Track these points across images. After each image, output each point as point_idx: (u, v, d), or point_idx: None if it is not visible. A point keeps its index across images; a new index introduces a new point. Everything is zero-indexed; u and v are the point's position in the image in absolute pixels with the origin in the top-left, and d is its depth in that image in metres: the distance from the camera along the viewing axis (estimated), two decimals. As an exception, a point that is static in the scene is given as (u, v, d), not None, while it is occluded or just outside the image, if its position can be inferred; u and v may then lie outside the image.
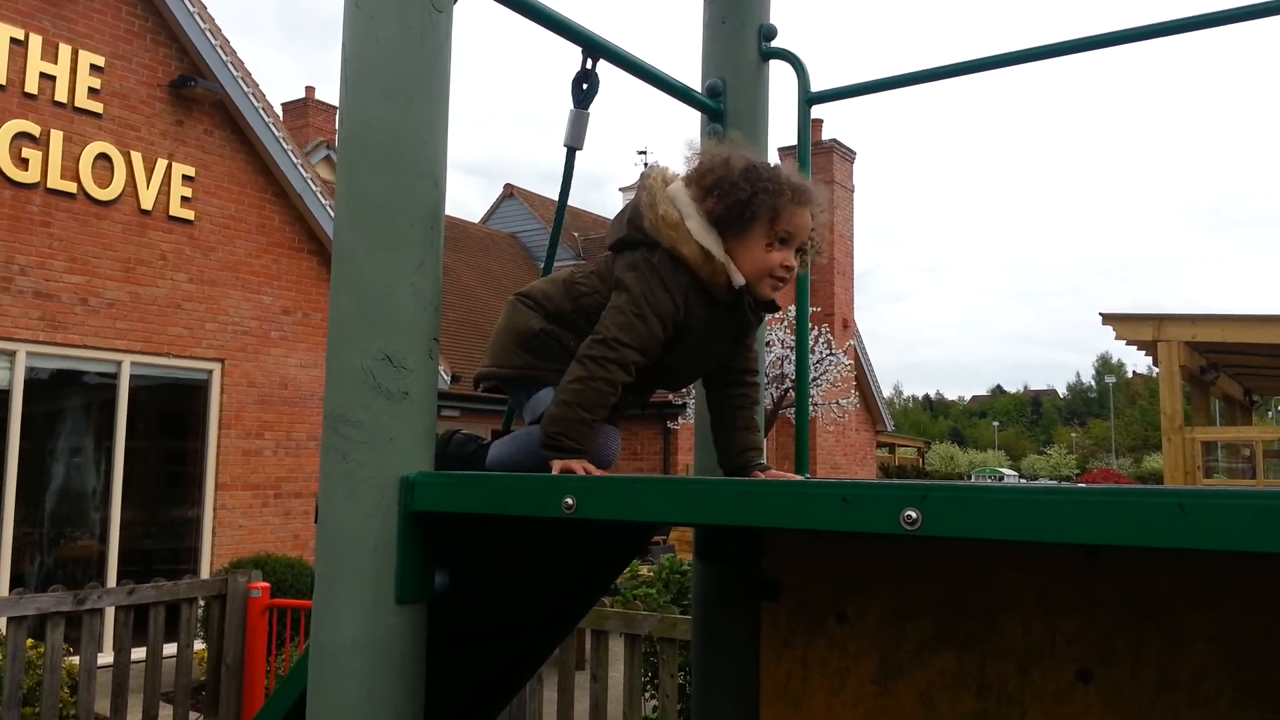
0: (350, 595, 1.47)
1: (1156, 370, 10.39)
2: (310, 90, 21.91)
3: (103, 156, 9.00)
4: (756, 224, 1.69)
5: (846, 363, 18.92)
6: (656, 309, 1.67)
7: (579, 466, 1.61)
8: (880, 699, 1.67)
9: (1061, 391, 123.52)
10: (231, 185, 10.13)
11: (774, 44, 2.40)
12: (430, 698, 1.56)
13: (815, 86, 2.39)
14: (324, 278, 10.72)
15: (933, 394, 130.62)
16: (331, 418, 1.51)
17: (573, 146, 2.07)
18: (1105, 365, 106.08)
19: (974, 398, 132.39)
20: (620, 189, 30.63)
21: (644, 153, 30.24)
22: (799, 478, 1.94)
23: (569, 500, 1.35)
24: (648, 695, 5.06)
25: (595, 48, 2.01)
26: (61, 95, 8.72)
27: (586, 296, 1.77)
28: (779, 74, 2.44)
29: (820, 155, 21.98)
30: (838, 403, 19.80)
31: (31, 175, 8.45)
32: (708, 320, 1.73)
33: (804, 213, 1.73)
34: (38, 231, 8.51)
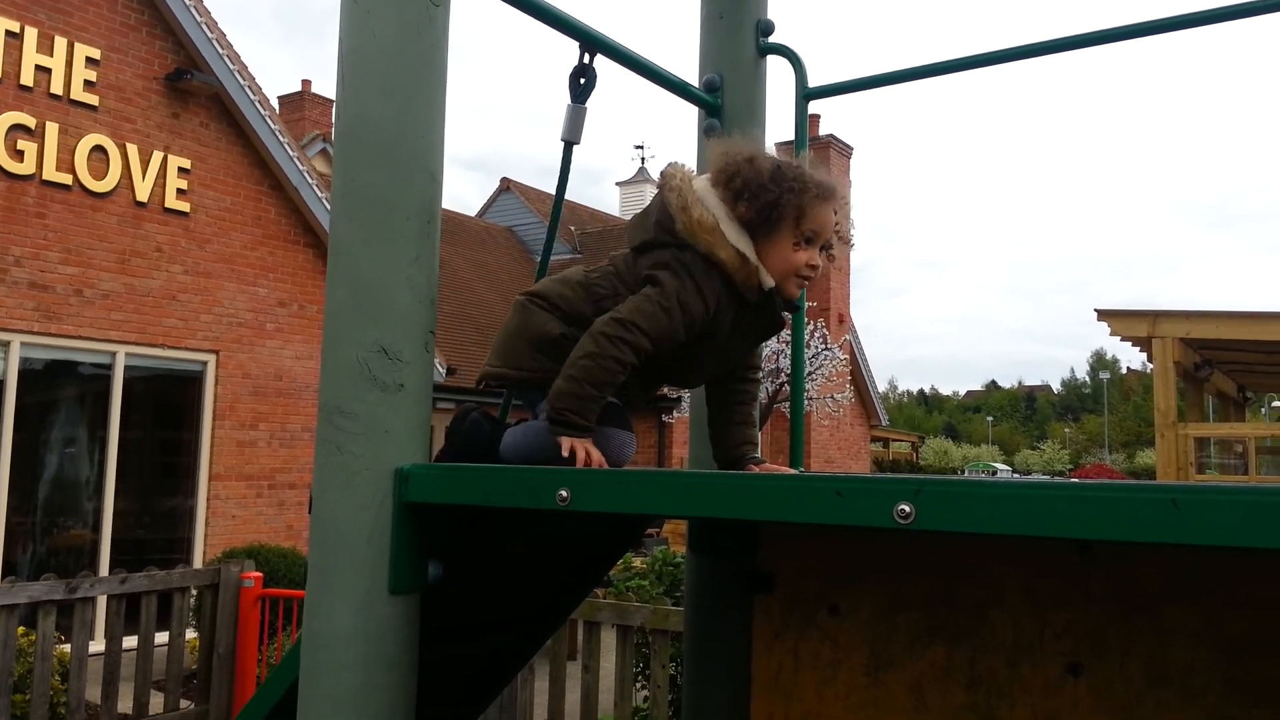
0: (344, 586, 1.47)
1: (1151, 366, 10.41)
2: (307, 84, 21.83)
3: (98, 149, 8.97)
4: (784, 224, 1.69)
5: (842, 357, 18.95)
6: (686, 308, 1.65)
7: (583, 448, 1.60)
8: (871, 691, 1.68)
9: (1056, 387, 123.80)
10: (227, 178, 10.11)
11: (772, 39, 2.40)
12: (422, 688, 1.57)
13: (813, 82, 2.39)
14: (320, 270, 10.70)
15: (927, 389, 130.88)
16: (327, 409, 1.51)
17: (570, 141, 2.06)
18: (1100, 361, 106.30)
19: (968, 393, 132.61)
20: (617, 183, 30.59)
21: (641, 148, 30.23)
22: (793, 471, 1.95)
23: (563, 493, 1.35)
24: (639, 686, 5.08)
25: (593, 42, 2.01)
26: (57, 88, 8.68)
27: (607, 299, 1.74)
28: (777, 69, 2.45)
29: (817, 150, 21.78)
30: (832, 397, 19.82)
31: (27, 167, 8.42)
32: (735, 321, 1.73)
33: (828, 210, 1.73)
34: (33, 223, 8.48)
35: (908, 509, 1.10)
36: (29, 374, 8.55)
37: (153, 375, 9.53)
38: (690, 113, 2.44)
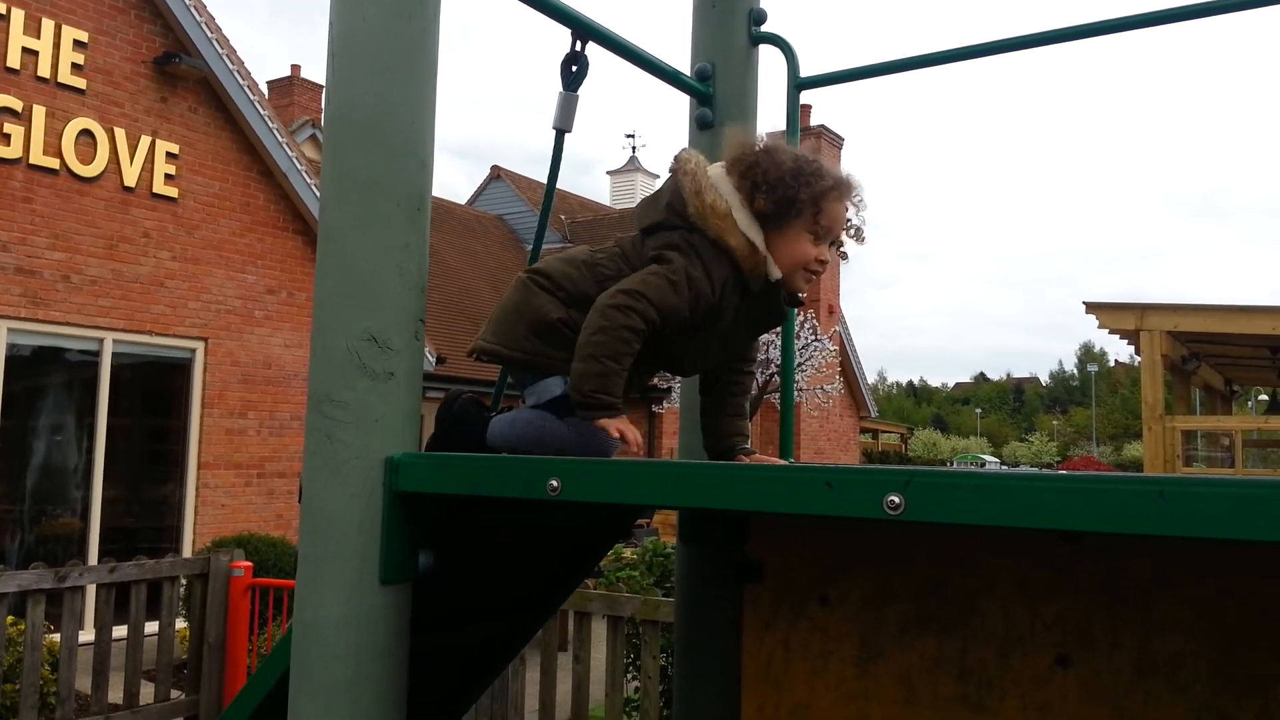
0: (334, 575, 1.47)
1: (1138, 359, 10.46)
2: (296, 69, 21.71)
3: (86, 133, 8.90)
4: (799, 218, 1.68)
5: (831, 349, 18.98)
6: (694, 285, 1.64)
7: (615, 427, 1.58)
8: (861, 682, 1.68)
9: (1044, 379, 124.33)
10: (216, 163, 10.05)
11: (764, 28, 2.39)
12: (413, 678, 1.56)
13: (804, 72, 2.39)
14: (309, 257, 10.65)
15: (916, 381, 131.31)
16: (316, 398, 1.50)
17: (561, 129, 2.05)
18: (1088, 354, 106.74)
19: (957, 385, 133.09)
20: (608, 172, 30.53)
21: (632, 136, 30.19)
22: (783, 462, 1.95)
23: (554, 482, 1.35)
24: (630, 676, 5.08)
25: (585, 30, 2.00)
26: (44, 70, 8.61)
27: (611, 280, 1.72)
28: (768, 59, 2.43)
29: (808, 140, 21.97)
30: (822, 388, 19.86)
31: (14, 151, 8.36)
32: (738, 310, 1.72)
33: (844, 206, 1.73)
34: (19, 207, 8.42)
35: (897, 500, 1.10)
36: (16, 360, 8.50)
37: (141, 362, 9.48)
38: (682, 101, 2.43)
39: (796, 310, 1.98)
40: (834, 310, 23.96)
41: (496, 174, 27.02)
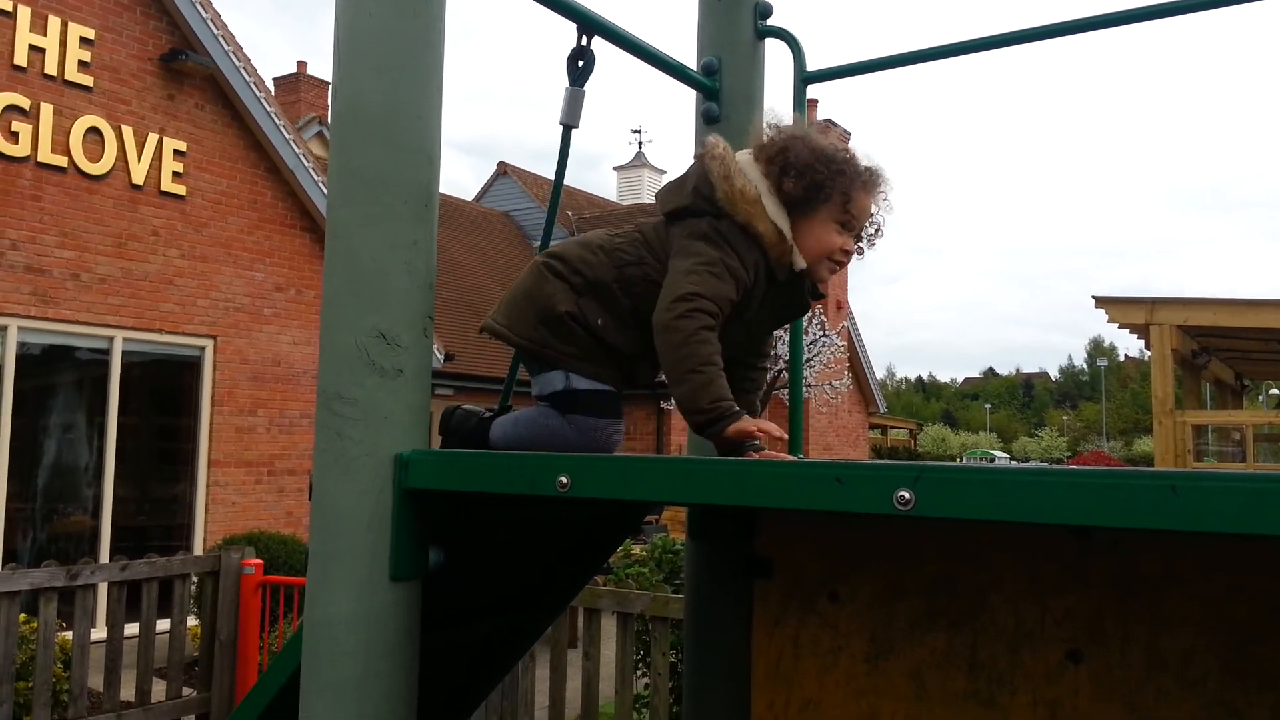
0: (344, 572, 1.47)
1: (1148, 354, 10.42)
2: (302, 65, 21.72)
3: (93, 130, 8.93)
4: (826, 206, 1.67)
5: (840, 344, 18.95)
6: (734, 273, 1.61)
7: (755, 430, 1.50)
8: (871, 678, 1.68)
9: (1053, 374, 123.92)
10: (223, 161, 10.07)
11: (770, 22, 2.38)
12: (423, 674, 1.56)
13: (811, 65, 2.38)
14: (317, 254, 10.67)
15: (925, 376, 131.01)
16: (325, 395, 1.50)
17: (568, 124, 2.05)
18: (1097, 348, 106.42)
19: (966, 380, 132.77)
20: (615, 168, 30.50)
21: (638, 132, 30.13)
22: (792, 458, 1.94)
23: (563, 479, 1.35)
24: (640, 673, 5.09)
25: (591, 24, 2.00)
26: (51, 68, 8.63)
27: (632, 266, 1.69)
28: (775, 52, 2.43)
29: (816, 135, 21.85)
30: (831, 384, 19.83)
31: (22, 149, 8.39)
32: (764, 300, 1.70)
33: (871, 198, 1.71)
34: (28, 205, 8.45)
35: (908, 495, 1.10)
36: (27, 359, 8.54)
37: (150, 360, 9.52)
38: (688, 96, 2.43)
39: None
40: (842, 306, 23.93)
41: (503, 170, 27.03)
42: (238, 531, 9.12)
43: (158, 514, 9.59)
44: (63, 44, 8.71)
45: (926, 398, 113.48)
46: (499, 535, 1.96)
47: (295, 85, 21.36)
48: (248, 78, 9.96)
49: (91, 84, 8.93)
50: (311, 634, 1.49)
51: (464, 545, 1.68)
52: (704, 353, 1.54)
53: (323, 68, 23.00)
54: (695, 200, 1.67)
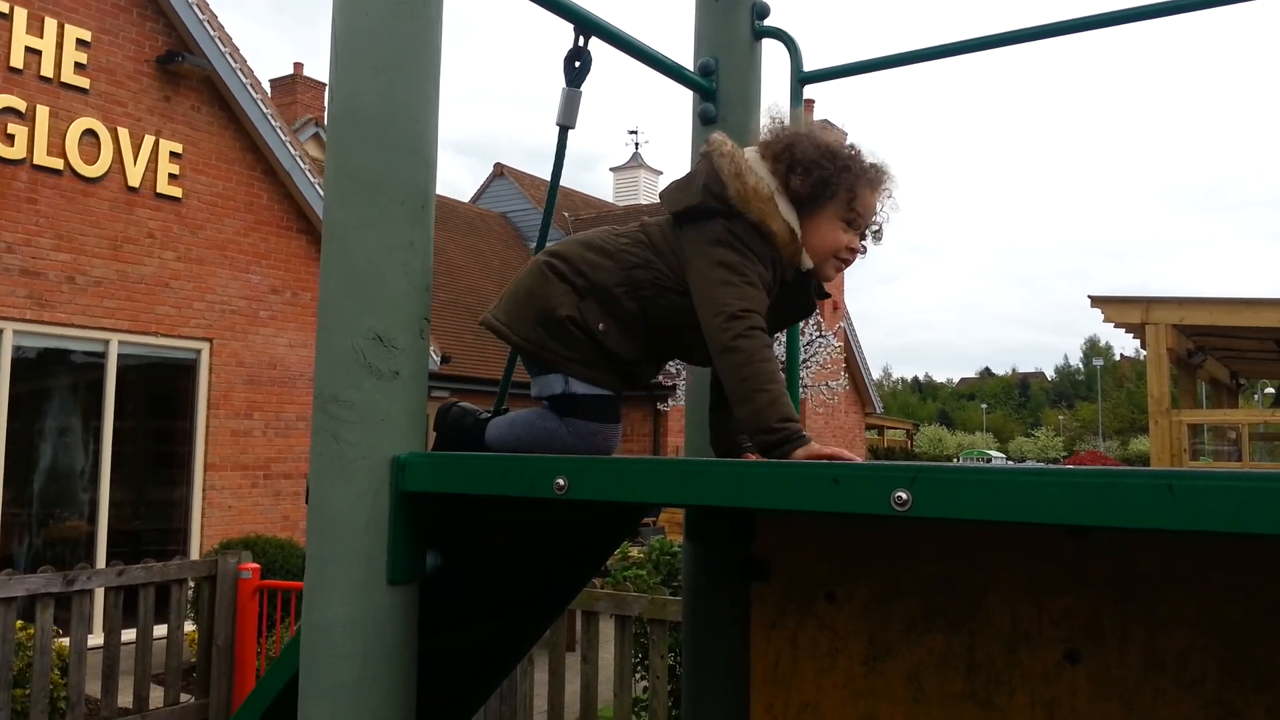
0: (342, 576, 1.46)
1: (1144, 353, 10.44)
2: (299, 67, 21.71)
3: (89, 132, 8.91)
4: (832, 204, 1.65)
5: (836, 344, 18.96)
6: (761, 278, 1.60)
7: (825, 452, 1.44)
8: (869, 679, 1.68)
9: (1049, 374, 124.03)
10: (219, 163, 10.05)
11: (766, 22, 2.38)
12: (421, 678, 1.56)
13: (808, 66, 2.38)
14: (313, 256, 10.66)
15: (921, 376, 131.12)
16: (322, 398, 1.50)
17: (565, 125, 2.05)
18: (1093, 348, 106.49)
19: (962, 380, 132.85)
20: (611, 169, 30.51)
21: (635, 133, 30.18)
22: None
23: (560, 481, 1.35)
24: (638, 676, 5.08)
25: (588, 25, 2.00)
26: (47, 70, 8.62)
27: (640, 269, 1.66)
28: (772, 53, 2.43)
29: (812, 136, 21.86)
30: (827, 384, 19.84)
31: (17, 151, 8.37)
32: (774, 300, 1.68)
33: (877, 195, 1.70)
34: (24, 208, 8.43)
35: (905, 496, 1.10)
36: (22, 362, 8.52)
37: (146, 364, 9.50)
38: (685, 97, 2.43)
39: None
40: (838, 306, 23.94)
41: (500, 171, 27.03)
42: (234, 536, 9.10)
43: (154, 518, 9.57)
44: (59, 46, 8.70)
45: (923, 398, 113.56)
46: (497, 538, 1.95)
47: (292, 86, 21.34)
48: (244, 79, 9.95)
49: (88, 86, 8.92)
50: (309, 638, 1.48)
51: (462, 548, 1.68)
52: (769, 371, 1.52)
53: (319, 69, 22.93)
54: (705, 199, 1.64)
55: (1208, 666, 1.42)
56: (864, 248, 1.77)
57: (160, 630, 5.80)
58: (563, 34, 2.01)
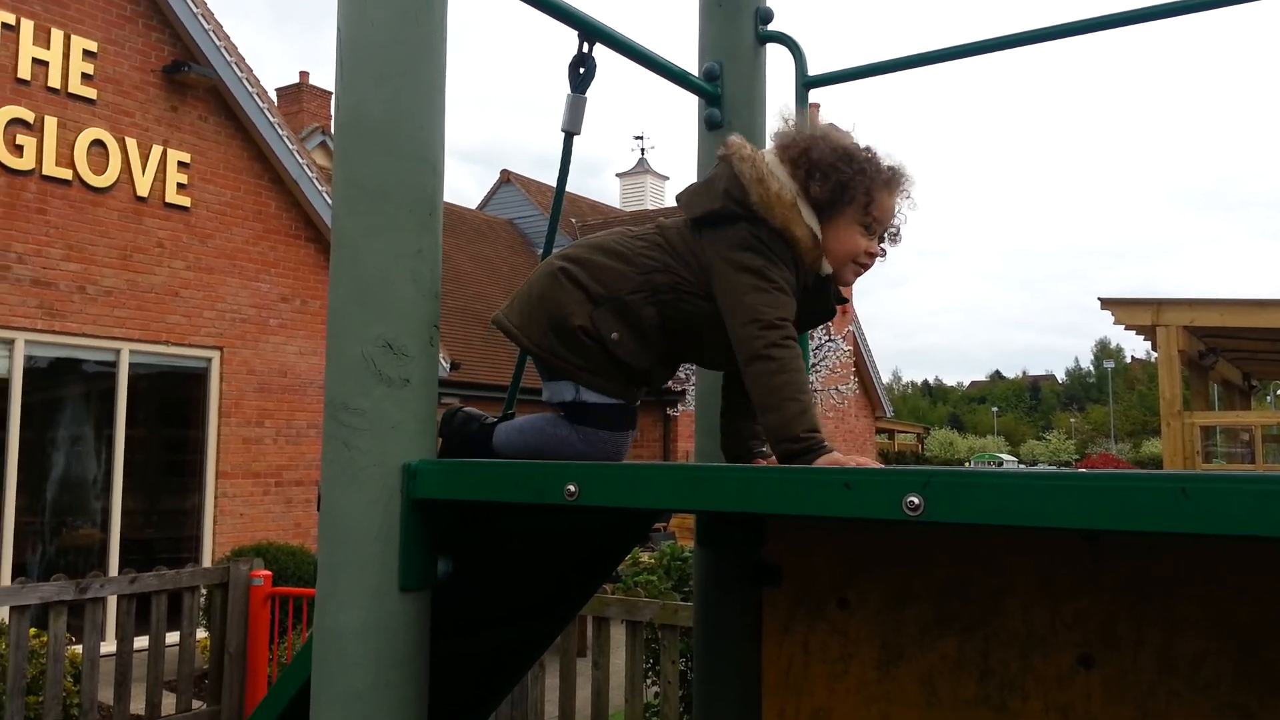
0: (353, 583, 1.46)
1: (1155, 355, 10.39)
2: (305, 75, 21.78)
3: (97, 143, 8.96)
4: (850, 208, 1.63)
5: (845, 349, 18.93)
6: (787, 284, 1.59)
7: (847, 462, 1.41)
8: (882, 685, 1.67)
9: (1060, 377, 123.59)
10: (227, 172, 10.09)
11: (771, 27, 2.38)
12: (432, 685, 1.56)
13: (813, 70, 2.38)
14: (321, 265, 10.69)
15: (931, 380, 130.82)
16: (332, 405, 1.50)
17: (571, 131, 2.05)
18: (1104, 350, 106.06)
19: (973, 383, 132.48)
20: (617, 175, 30.54)
21: (641, 139, 30.18)
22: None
23: (571, 487, 1.34)
24: (649, 682, 5.07)
25: (592, 31, 2.00)
26: (55, 81, 8.67)
27: (659, 273, 1.64)
28: (776, 57, 2.43)
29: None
30: (837, 389, 19.81)
31: (26, 162, 8.42)
32: (797, 305, 1.66)
33: (894, 199, 1.69)
34: (34, 219, 8.48)
35: (917, 500, 1.09)
36: (34, 372, 8.56)
37: (157, 373, 9.54)
38: (690, 102, 2.43)
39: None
40: (847, 310, 23.90)
41: (506, 178, 27.06)
42: (246, 543, 9.13)
43: (166, 526, 9.60)
44: (66, 57, 8.75)
45: (933, 402, 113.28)
46: (508, 544, 1.95)
47: (298, 95, 21.42)
48: (250, 89, 9.99)
49: (95, 96, 8.97)
50: (321, 645, 1.49)
51: (473, 554, 1.68)
52: (800, 381, 1.51)
53: (325, 77, 23.05)
54: (726, 203, 1.62)
55: (1222, 670, 1.41)
56: (883, 251, 1.75)
57: (173, 637, 5.82)
58: (567, 41, 2.02)
